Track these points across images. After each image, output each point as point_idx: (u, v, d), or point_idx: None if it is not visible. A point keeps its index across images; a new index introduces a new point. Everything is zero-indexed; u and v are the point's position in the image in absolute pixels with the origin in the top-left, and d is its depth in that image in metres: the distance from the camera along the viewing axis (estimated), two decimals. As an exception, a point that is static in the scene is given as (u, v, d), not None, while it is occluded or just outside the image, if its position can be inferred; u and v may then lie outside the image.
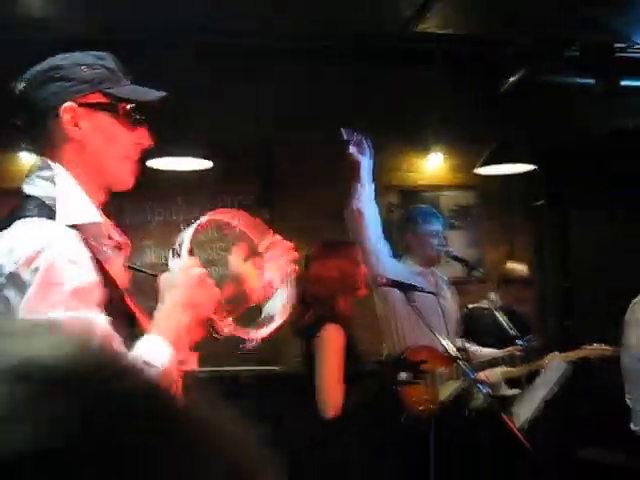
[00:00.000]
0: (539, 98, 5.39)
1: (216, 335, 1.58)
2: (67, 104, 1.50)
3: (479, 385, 3.04)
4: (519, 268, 4.79)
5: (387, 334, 3.57)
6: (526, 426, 3.14)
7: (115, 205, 1.68)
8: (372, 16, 4.20)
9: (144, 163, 4.55)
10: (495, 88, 5.25)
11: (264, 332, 1.68)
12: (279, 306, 1.76)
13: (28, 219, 1.43)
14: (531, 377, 3.87)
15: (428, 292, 3.12)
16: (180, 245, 1.56)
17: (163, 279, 1.53)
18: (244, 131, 5.16)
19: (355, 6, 4.12)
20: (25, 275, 1.34)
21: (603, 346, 4.03)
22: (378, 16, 4.24)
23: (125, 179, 1.60)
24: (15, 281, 1.34)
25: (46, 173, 1.51)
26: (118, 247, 1.56)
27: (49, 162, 1.52)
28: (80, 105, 1.51)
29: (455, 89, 5.37)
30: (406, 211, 3.94)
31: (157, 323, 1.46)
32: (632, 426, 2.84)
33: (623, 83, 4.94)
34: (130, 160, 1.59)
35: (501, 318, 3.77)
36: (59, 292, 1.34)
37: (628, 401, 2.88)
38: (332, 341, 2.78)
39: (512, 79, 5.05)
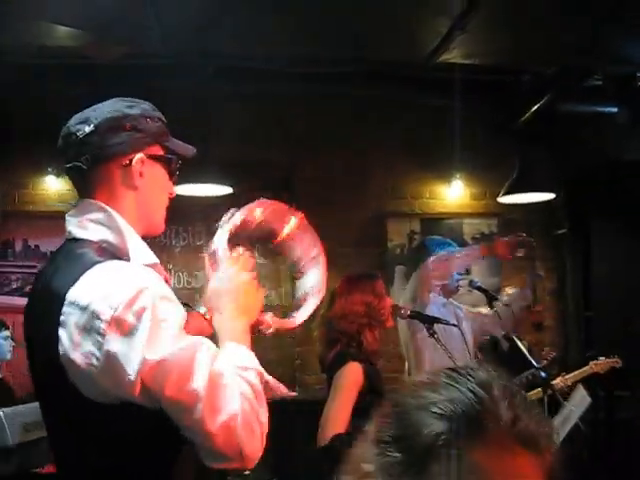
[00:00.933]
0: (561, 127, 5.40)
1: (264, 333, 1.66)
2: (139, 155, 1.58)
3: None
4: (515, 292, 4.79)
5: (411, 363, 3.57)
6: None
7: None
8: (395, 45, 4.24)
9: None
10: (517, 116, 5.25)
11: (303, 314, 1.75)
12: (313, 284, 1.81)
13: (108, 262, 1.45)
14: (550, 407, 3.86)
15: (452, 324, 3.12)
16: (215, 252, 1.62)
17: (213, 289, 1.59)
18: (263, 157, 5.21)
19: (378, 35, 4.16)
20: (129, 318, 1.36)
21: (611, 359, 4.04)
22: (401, 46, 4.27)
23: (161, 225, 1.70)
24: (120, 325, 1.35)
25: (98, 216, 1.55)
26: (166, 281, 1.60)
27: (101, 205, 1.57)
28: (148, 156, 1.60)
29: (477, 117, 5.39)
30: (421, 241, 3.94)
31: (226, 332, 1.53)
32: None
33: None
34: (165, 208, 1.69)
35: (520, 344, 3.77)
36: (170, 328, 1.38)
37: None
38: (349, 378, 2.79)
39: (534, 108, 5.05)
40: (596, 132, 5.40)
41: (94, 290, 1.39)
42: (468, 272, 4.11)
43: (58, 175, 5.32)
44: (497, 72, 4.98)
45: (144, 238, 1.62)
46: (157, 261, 1.58)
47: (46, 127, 5.03)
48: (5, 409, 2.23)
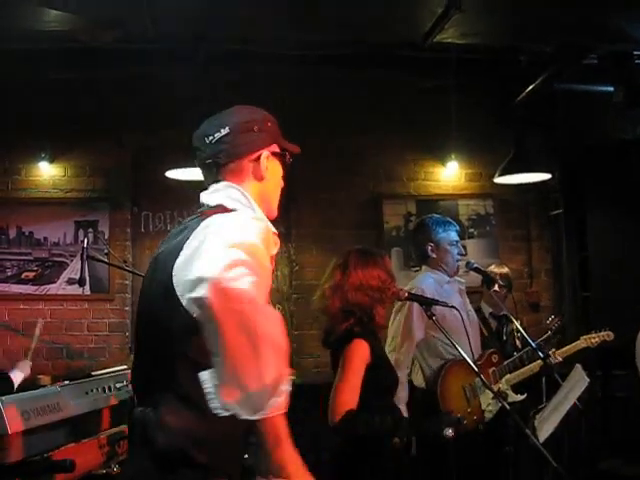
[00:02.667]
0: (558, 107, 5.38)
1: None
2: (266, 152, 1.93)
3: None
4: (500, 269, 4.81)
5: (401, 347, 3.55)
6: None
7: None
8: (392, 26, 4.20)
9: (163, 174, 4.65)
10: (513, 96, 5.23)
11: None
12: None
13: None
14: (548, 386, 3.88)
15: (450, 306, 3.10)
16: None
17: None
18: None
19: (374, 15, 4.13)
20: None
21: (602, 332, 4.04)
22: (397, 26, 4.24)
23: (275, 211, 1.99)
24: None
25: (230, 192, 1.87)
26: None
27: (227, 184, 1.89)
28: (271, 153, 1.94)
29: (472, 98, 5.37)
30: (421, 220, 3.90)
31: None
32: None
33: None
34: (279, 197, 2.01)
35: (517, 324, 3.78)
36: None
37: None
38: (357, 355, 2.77)
39: (530, 88, 5.03)
40: (593, 112, 5.38)
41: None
42: (465, 253, 4.09)
43: (51, 161, 5.29)
44: (494, 52, 4.95)
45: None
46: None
47: (39, 112, 5.05)
48: (3, 397, 2.21)
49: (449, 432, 2.78)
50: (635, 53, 4.81)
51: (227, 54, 4.67)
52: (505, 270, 4.82)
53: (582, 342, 4.07)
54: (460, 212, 5.71)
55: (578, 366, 3.39)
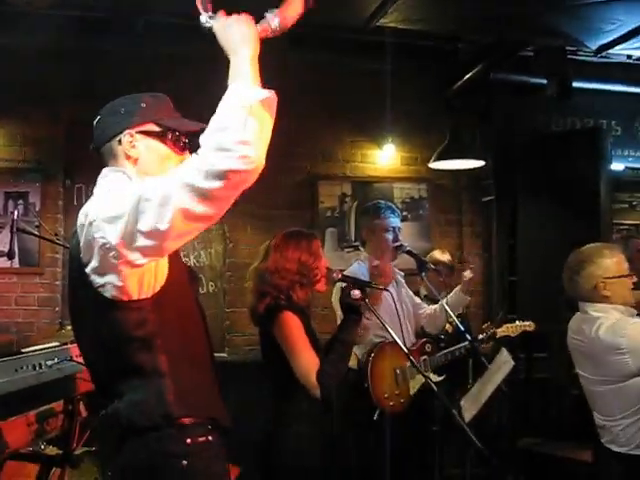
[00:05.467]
0: (493, 97, 5.50)
1: None
2: (129, 130, 1.92)
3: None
4: (442, 256, 4.92)
5: None
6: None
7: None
8: (334, 8, 4.20)
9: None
10: (451, 84, 5.32)
11: None
12: None
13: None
14: (475, 369, 4.00)
15: (382, 289, 3.15)
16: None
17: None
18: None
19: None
20: None
21: (524, 322, 4.16)
22: (340, 8, 4.24)
23: None
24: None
25: (113, 176, 1.92)
26: None
27: (112, 169, 1.94)
28: (138, 132, 1.93)
29: (411, 83, 5.43)
30: (364, 205, 3.97)
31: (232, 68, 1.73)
32: (609, 444, 2.92)
33: (574, 85, 5.06)
34: None
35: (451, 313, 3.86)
36: None
37: (601, 421, 2.97)
38: (290, 324, 2.76)
39: (468, 76, 5.12)
40: (526, 103, 5.52)
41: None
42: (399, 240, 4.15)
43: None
44: (434, 39, 5.01)
45: None
46: None
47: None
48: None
49: (355, 293, 2.84)
50: (567, 49, 4.96)
51: (166, 28, 4.58)
52: (447, 257, 4.92)
53: (504, 330, 4.14)
54: (395, 195, 5.80)
55: (504, 350, 3.51)
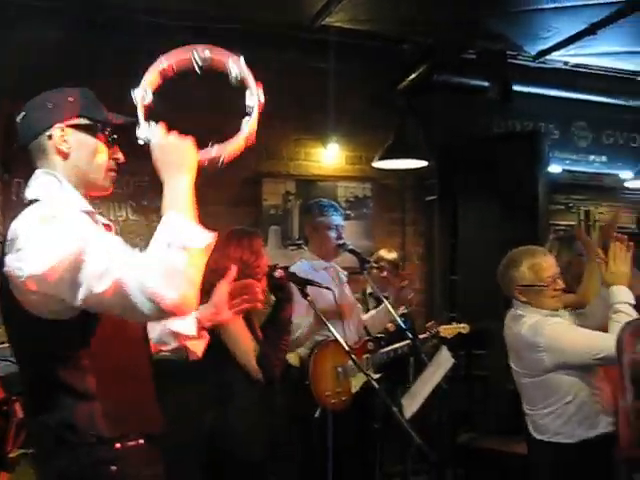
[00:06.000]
0: (436, 97, 5.57)
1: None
2: (58, 125, 1.86)
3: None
4: (388, 254, 4.98)
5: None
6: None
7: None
8: (281, 6, 4.20)
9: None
10: (395, 84, 5.37)
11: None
12: None
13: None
14: (416, 367, 4.04)
15: (324, 287, 3.17)
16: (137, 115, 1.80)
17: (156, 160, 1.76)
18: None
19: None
20: None
21: (459, 325, 4.21)
22: (287, 7, 4.24)
23: (104, 186, 1.95)
24: None
25: (44, 179, 1.85)
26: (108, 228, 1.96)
27: (44, 171, 1.87)
28: (68, 126, 1.87)
29: (357, 82, 5.46)
30: (306, 203, 3.98)
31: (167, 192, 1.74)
32: (534, 432, 3.01)
33: (515, 88, 5.17)
34: (109, 170, 1.94)
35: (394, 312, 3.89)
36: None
37: (527, 411, 3.06)
38: (231, 319, 2.77)
39: (412, 76, 5.18)
40: (469, 104, 5.61)
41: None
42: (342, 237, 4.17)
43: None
44: (380, 39, 5.05)
45: (93, 197, 1.94)
46: (90, 209, 1.87)
47: None
48: None
49: (279, 271, 2.90)
50: (508, 53, 5.07)
51: (109, 21, 4.50)
52: (393, 255, 4.97)
53: (440, 331, 4.17)
54: (339, 194, 5.82)
55: (444, 347, 3.57)
